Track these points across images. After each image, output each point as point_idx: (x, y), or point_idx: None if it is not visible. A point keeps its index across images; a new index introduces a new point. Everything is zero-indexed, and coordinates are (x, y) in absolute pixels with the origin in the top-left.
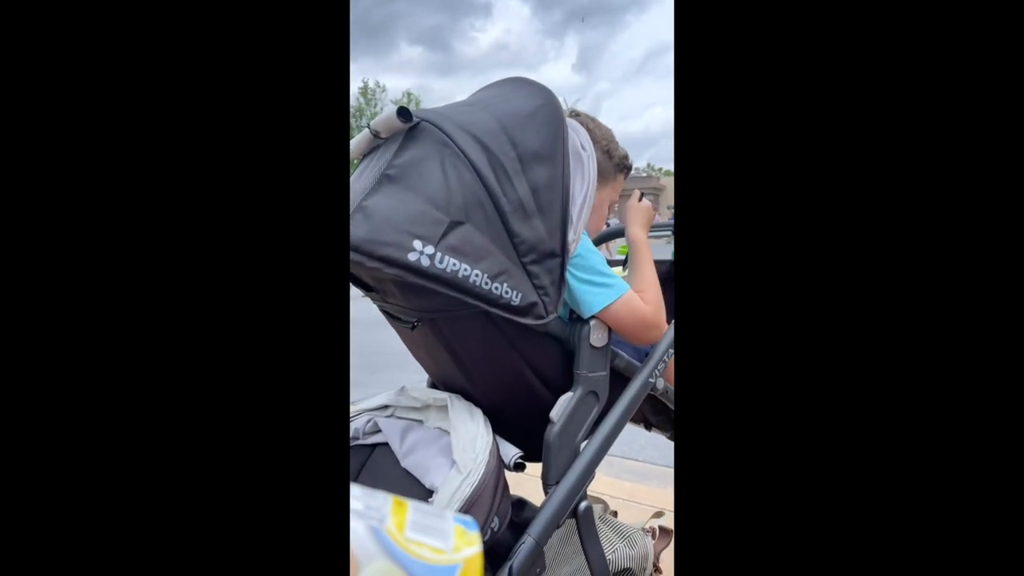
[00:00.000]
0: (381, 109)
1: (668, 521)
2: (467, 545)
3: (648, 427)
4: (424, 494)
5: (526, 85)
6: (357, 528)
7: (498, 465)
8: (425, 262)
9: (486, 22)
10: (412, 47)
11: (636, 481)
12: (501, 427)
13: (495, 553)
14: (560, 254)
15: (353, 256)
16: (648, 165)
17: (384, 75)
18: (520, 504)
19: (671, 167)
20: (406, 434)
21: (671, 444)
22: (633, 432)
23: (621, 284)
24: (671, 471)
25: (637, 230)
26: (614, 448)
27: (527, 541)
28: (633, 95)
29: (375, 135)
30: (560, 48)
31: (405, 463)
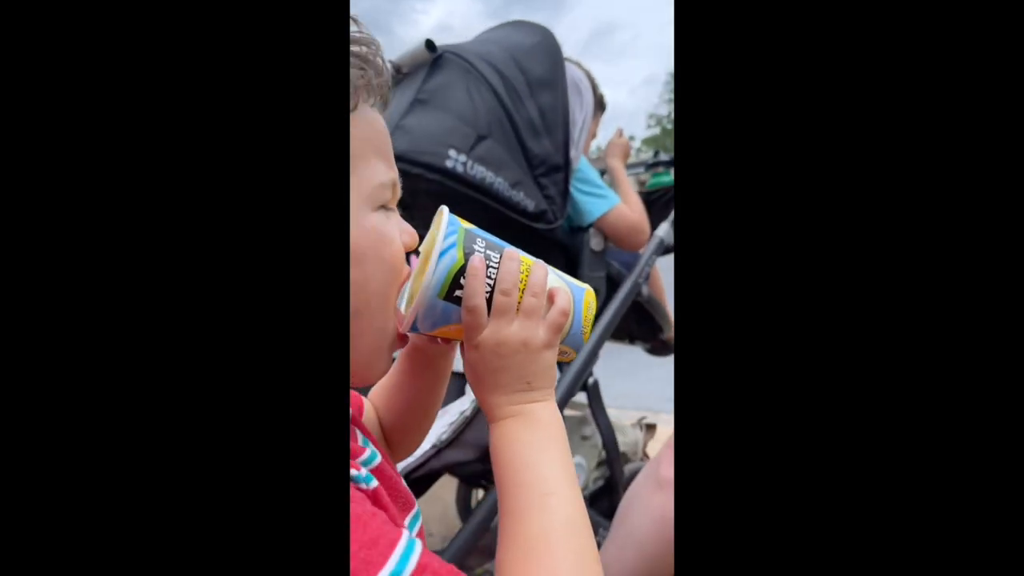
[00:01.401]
0: None
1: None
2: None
3: (631, 340)
4: (458, 380)
5: (526, 25)
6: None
7: None
8: (460, 168)
9: (428, 4)
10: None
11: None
12: None
13: None
14: (564, 168)
15: (397, 165)
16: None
17: None
18: None
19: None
20: None
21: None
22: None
23: (614, 196)
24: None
25: (615, 161)
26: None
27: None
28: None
29: (397, 71)
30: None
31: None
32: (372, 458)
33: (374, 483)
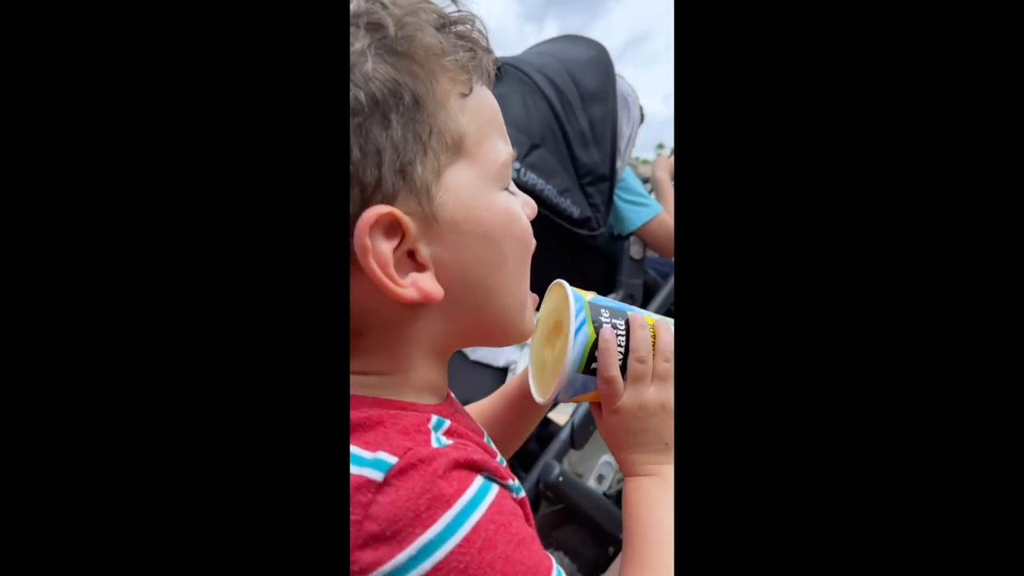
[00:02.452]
0: None
1: None
2: None
3: None
4: (499, 374)
5: (582, 40)
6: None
7: None
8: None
9: (465, 3)
10: None
11: None
12: None
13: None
14: (609, 178)
15: None
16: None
17: None
18: None
19: (649, 156)
20: None
21: None
22: None
23: (656, 205)
24: None
25: (662, 173)
26: None
27: (583, 404)
28: None
29: None
30: (540, 32)
31: (474, 357)
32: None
33: (522, 493)
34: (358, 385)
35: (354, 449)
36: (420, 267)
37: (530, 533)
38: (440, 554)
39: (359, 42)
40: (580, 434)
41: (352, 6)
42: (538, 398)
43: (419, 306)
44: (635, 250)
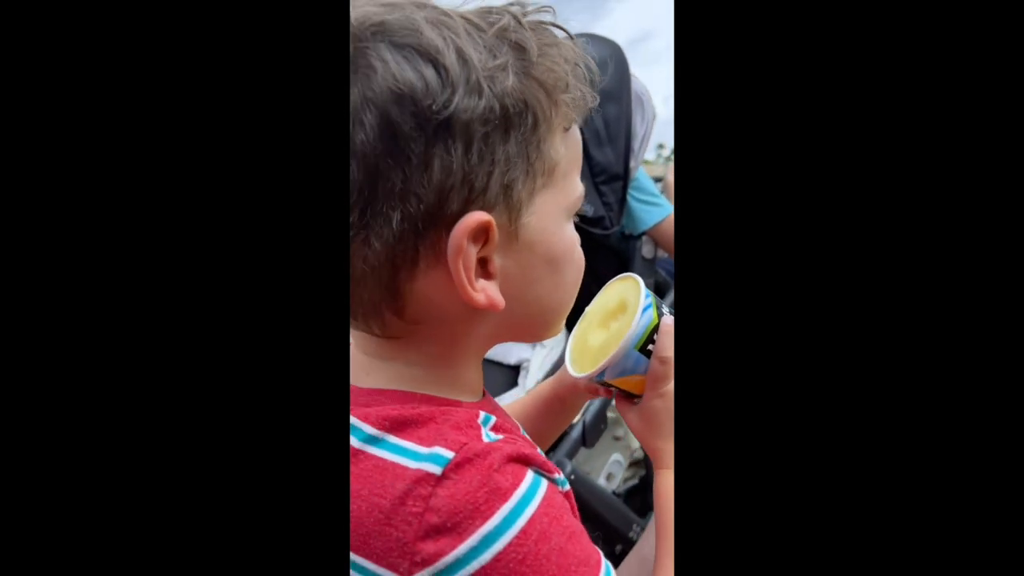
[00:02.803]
0: None
1: None
2: None
3: None
4: (511, 372)
5: (597, 38)
6: None
7: None
8: None
9: (464, 1)
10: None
11: None
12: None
13: None
14: (623, 177)
15: None
16: None
17: None
18: None
19: (649, 156)
20: None
21: None
22: None
23: (668, 205)
24: None
25: (673, 177)
26: None
27: (595, 402)
28: None
29: None
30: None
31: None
32: None
33: (567, 487)
34: (405, 379)
35: (408, 444)
36: (489, 276)
37: (579, 526)
38: (499, 545)
39: (503, 57)
40: (591, 432)
41: (503, 21)
42: (578, 374)
43: (478, 310)
44: (647, 250)
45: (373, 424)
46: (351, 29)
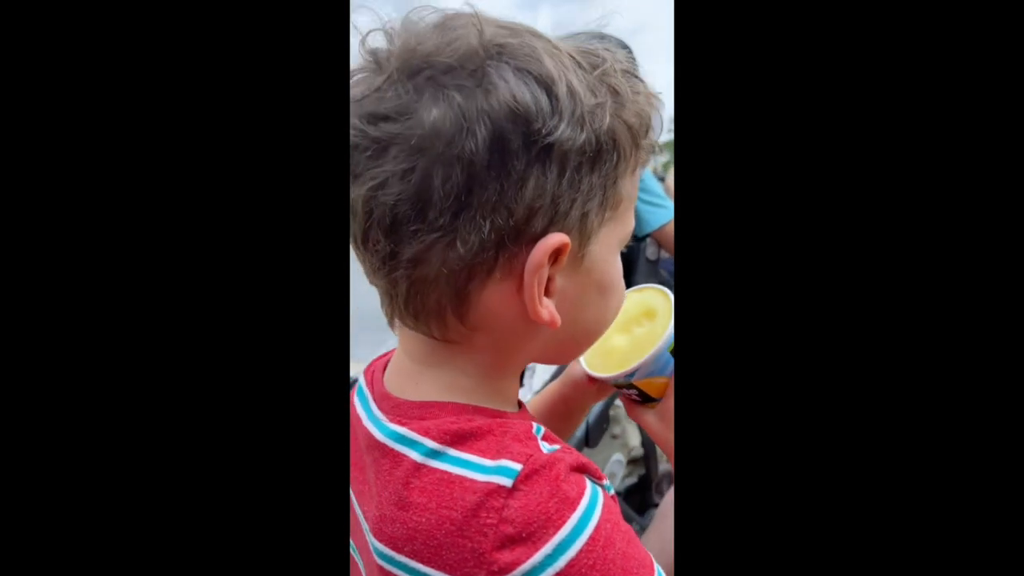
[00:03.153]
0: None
1: None
2: None
3: None
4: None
5: (607, 38)
6: None
7: None
8: None
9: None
10: (380, 10)
11: None
12: None
13: None
14: None
15: None
16: None
17: None
18: None
19: None
20: None
21: None
22: None
23: (672, 206)
24: None
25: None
26: None
27: (598, 403)
28: None
29: None
30: (533, 21)
31: None
32: None
33: (613, 491)
34: (455, 390)
35: (472, 457)
36: (549, 294)
37: (632, 529)
38: (571, 553)
39: (602, 97)
40: (595, 432)
41: (604, 65)
42: (602, 374)
43: (535, 325)
44: (651, 251)
45: (434, 438)
46: (477, 45)
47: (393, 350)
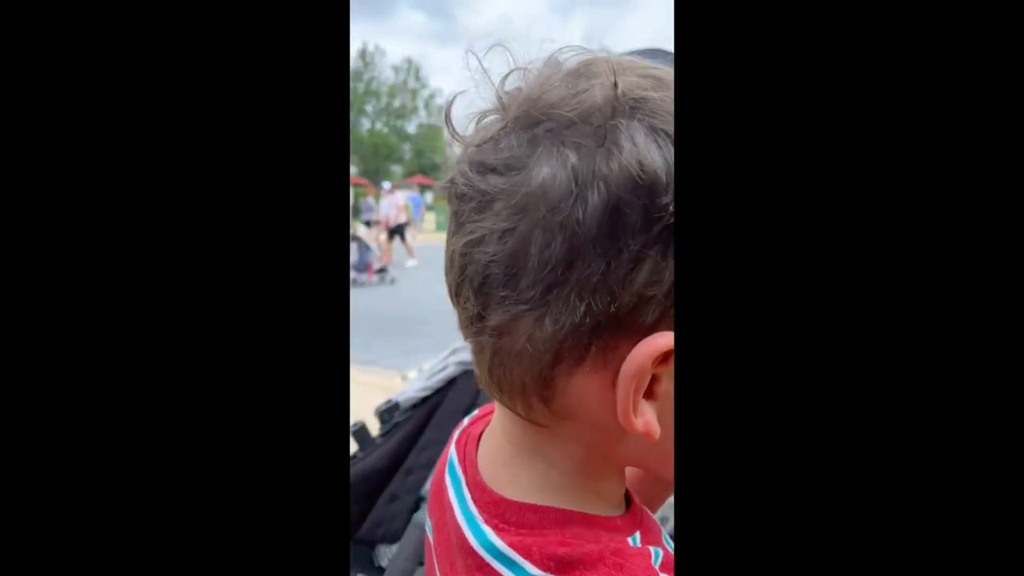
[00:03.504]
0: (379, 73)
1: None
2: None
3: None
4: None
5: (661, 54)
6: None
7: None
8: None
9: None
10: (413, 12)
11: None
12: None
13: None
14: None
15: None
16: None
17: (383, 39)
18: None
19: None
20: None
21: None
22: None
23: None
24: None
25: None
26: None
27: None
28: None
29: None
30: (566, 25)
31: None
32: None
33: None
34: (549, 489)
35: None
36: (653, 396)
37: None
38: None
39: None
40: None
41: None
42: None
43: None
44: None
45: (536, 563)
46: (606, 98)
47: (486, 414)
